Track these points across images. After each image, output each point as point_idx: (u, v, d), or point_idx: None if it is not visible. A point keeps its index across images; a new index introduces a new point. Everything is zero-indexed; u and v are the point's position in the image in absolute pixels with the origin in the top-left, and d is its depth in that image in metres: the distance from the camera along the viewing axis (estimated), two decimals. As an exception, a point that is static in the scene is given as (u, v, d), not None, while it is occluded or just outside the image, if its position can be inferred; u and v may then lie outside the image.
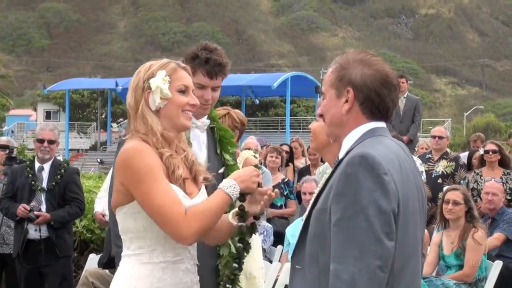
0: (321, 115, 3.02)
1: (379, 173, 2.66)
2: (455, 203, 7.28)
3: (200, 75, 4.07)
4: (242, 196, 3.22)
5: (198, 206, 3.09)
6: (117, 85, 38.22)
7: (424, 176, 9.41)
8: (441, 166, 10.21)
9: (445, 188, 8.46)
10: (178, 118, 3.20)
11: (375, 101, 2.86)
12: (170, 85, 3.17)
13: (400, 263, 2.71)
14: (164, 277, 3.12)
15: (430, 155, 10.45)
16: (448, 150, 10.74)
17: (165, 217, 3.00)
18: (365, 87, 2.85)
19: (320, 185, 3.20)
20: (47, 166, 7.79)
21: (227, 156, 4.15)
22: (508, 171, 10.19)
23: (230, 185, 3.13)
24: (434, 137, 10.50)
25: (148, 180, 3.02)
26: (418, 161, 9.52)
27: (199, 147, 4.12)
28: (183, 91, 3.22)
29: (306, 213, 2.97)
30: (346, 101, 2.88)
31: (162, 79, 3.15)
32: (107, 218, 8.23)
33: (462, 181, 10.02)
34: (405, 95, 13.12)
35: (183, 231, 3.00)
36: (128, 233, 3.16)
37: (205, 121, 4.15)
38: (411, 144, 12.10)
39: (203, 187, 3.30)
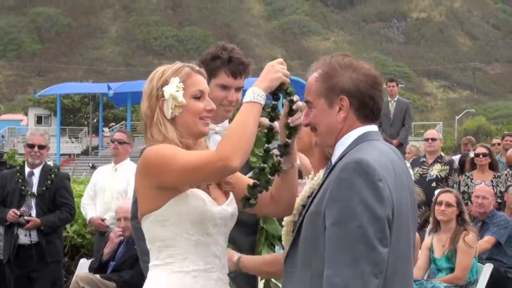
0: (307, 125, 2.99)
1: (374, 180, 2.66)
2: (448, 204, 7.32)
3: (223, 75, 3.90)
4: (276, 94, 3.02)
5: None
6: (109, 89, 38.08)
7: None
8: (435, 170, 10.22)
9: (438, 190, 8.49)
10: (196, 125, 3.07)
11: (370, 105, 2.87)
12: (184, 91, 3.04)
13: (393, 269, 2.71)
14: (196, 286, 3.01)
15: (424, 159, 10.47)
16: (442, 153, 10.76)
17: (196, 165, 2.86)
18: (359, 93, 2.85)
19: (306, 188, 3.20)
20: (37, 171, 7.79)
21: (253, 159, 3.84)
22: (498, 174, 10.21)
23: (248, 94, 2.94)
24: (427, 139, 10.53)
25: (170, 158, 2.90)
26: (407, 165, 9.51)
27: None
28: (199, 97, 3.08)
29: (300, 217, 2.95)
30: (340, 109, 2.87)
31: (176, 86, 3.02)
32: (107, 222, 8.24)
33: (455, 185, 10.05)
34: (395, 99, 13.14)
35: (216, 157, 2.82)
36: (156, 242, 3.03)
37: (225, 125, 3.96)
38: (401, 147, 12.10)
39: (231, 195, 3.16)
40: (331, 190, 2.71)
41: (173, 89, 3.01)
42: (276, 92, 3.01)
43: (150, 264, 3.09)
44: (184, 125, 3.06)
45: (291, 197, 3.19)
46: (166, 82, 3.04)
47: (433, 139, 10.47)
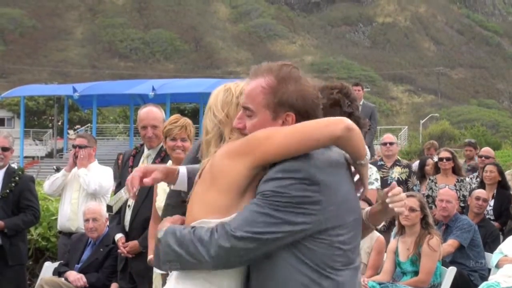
0: (240, 129, 2.96)
1: (311, 182, 2.72)
2: (411, 209, 7.31)
3: None
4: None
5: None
6: (74, 91, 37.76)
7: (378, 184, 9.45)
8: (396, 173, 10.23)
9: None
10: None
11: (311, 118, 2.87)
12: None
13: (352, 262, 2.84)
14: None
15: (382, 162, 10.47)
16: (399, 157, 10.81)
17: (327, 122, 2.84)
18: (305, 111, 2.87)
19: None
20: (1, 174, 7.70)
21: None
22: (462, 178, 10.31)
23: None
24: (385, 144, 10.53)
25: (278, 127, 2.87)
26: (374, 168, 9.54)
27: None
28: None
29: None
30: (283, 123, 2.88)
31: None
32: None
33: (414, 187, 10.13)
34: (360, 103, 13.17)
35: (343, 119, 2.85)
36: None
37: None
38: (366, 151, 12.12)
39: None
40: (264, 186, 2.77)
41: None
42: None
43: (179, 276, 2.94)
44: None
45: None
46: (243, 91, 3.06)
47: (391, 143, 10.48)
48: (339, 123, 2.82)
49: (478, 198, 9.23)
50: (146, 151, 6.41)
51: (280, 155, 2.80)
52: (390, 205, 2.91)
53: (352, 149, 2.87)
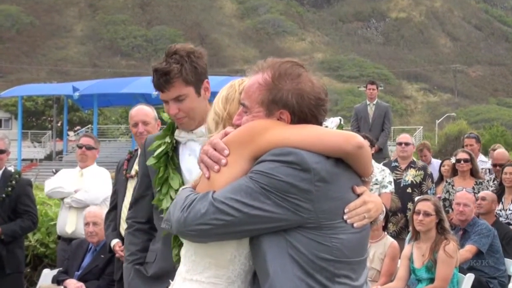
0: (240, 126, 2.90)
1: (301, 167, 2.64)
2: (426, 214, 7.21)
3: None
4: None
5: None
6: (74, 90, 37.45)
7: (392, 187, 9.30)
8: (410, 175, 10.13)
9: (416, 199, 8.40)
10: None
11: (307, 119, 2.82)
12: None
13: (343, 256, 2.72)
14: None
15: (396, 163, 10.33)
16: (415, 158, 10.64)
17: (338, 132, 2.81)
18: (301, 112, 2.81)
19: None
20: (-4, 177, 7.65)
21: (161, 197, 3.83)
22: (480, 180, 10.05)
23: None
24: (400, 144, 10.42)
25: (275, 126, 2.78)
26: (387, 171, 9.39)
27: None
28: None
29: None
30: (277, 120, 2.83)
31: None
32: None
33: (429, 191, 9.97)
34: (374, 102, 13.07)
35: (356, 136, 2.80)
36: (206, 257, 2.88)
37: (199, 131, 3.94)
38: (380, 153, 11.96)
39: None
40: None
41: None
42: None
43: (187, 276, 2.93)
44: None
45: None
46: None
47: (407, 144, 10.36)
48: (351, 139, 2.77)
49: (477, 198, 9.01)
50: (140, 153, 6.31)
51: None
52: (348, 221, 2.74)
53: (359, 166, 2.85)
